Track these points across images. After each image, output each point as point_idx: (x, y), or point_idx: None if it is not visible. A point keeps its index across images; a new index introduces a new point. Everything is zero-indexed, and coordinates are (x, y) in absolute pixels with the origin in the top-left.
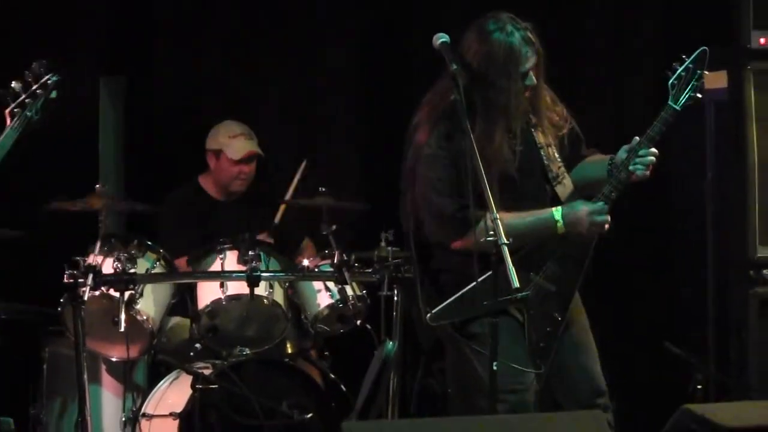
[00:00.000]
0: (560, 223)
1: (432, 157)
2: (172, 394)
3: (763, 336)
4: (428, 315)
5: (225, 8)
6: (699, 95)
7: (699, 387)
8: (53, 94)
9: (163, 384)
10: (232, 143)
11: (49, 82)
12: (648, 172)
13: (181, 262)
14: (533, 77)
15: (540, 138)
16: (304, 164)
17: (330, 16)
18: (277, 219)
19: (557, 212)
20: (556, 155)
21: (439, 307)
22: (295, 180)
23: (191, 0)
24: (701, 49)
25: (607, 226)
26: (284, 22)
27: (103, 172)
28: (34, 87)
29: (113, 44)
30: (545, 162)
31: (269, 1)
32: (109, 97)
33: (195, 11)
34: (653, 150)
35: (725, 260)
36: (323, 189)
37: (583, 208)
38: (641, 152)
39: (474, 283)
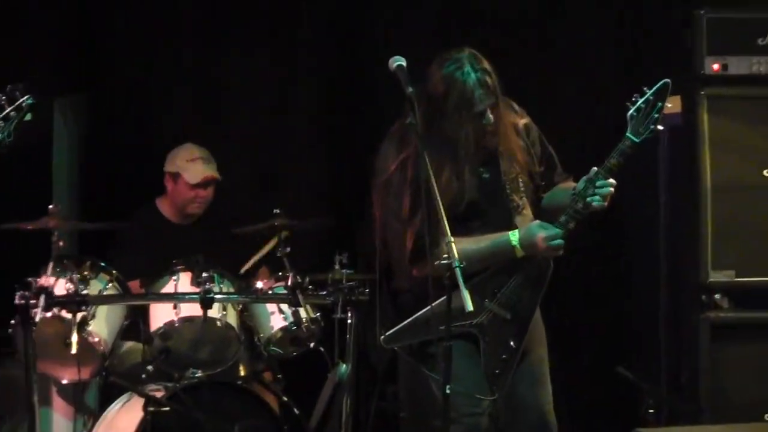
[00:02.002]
0: (518, 247)
1: (390, 183)
2: (124, 416)
3: (714, 360)
4: (382, 337)
5: (184, 28)
6: (659, 127)
7: (650, 411)
8: (28, 117)
9: (114, 407)
10: (190, 167)
11: (23, 105)
12: (605, 203)
13: (135, 285)
14: (490, 116)
15: (505, 167)
16: (274, 241)
17: (292, 37)
18: (244, 269)
19: (513, 236)
20: (521, 186)
21: (394, 329)
22: (261, 253)
23: (149, 20)
24: (663, 81)
25: (560, 251)
26: (244, 42)
27: (56, 193)
28: (8, 109)
29: (68, 64)
30: (508, 191)
31: (229, 20)
32: (63, 117)
33: (153, 31)
34: (611, 181)
35: (678, 284)
36: (278, 211)
37: (539, 233)
38: (598, 183)
39: (428, 307)
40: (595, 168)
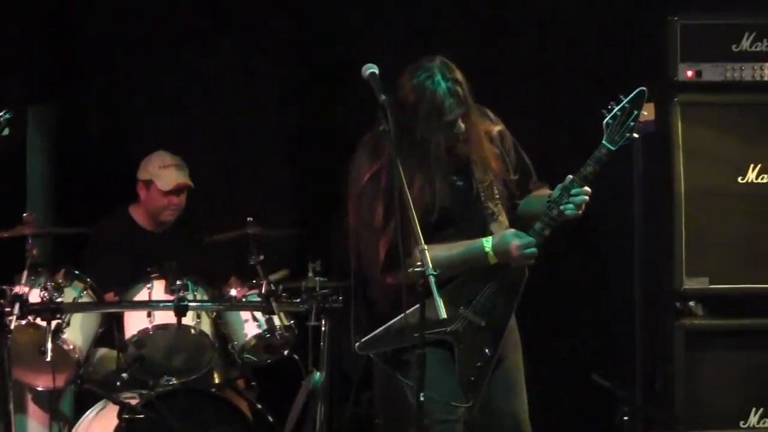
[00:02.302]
0: (491, 254)
1: (363, 192)
2: (99, 424)
3: (689, 368)
4: (357, 344)
5: (155, 37)
6: (635, 135)
7: (625, 419)
8: (5, 132)
9: (89, 414)
10: (163, 174)
11: (1, 120)
12: (579, 212)
13: (110, 297)
14: (461, 125)
15: (479, 175)
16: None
17: (261, 44)
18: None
19: (487, 243)
20: (495, 193)
21: (368, 336)
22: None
23: (121, 28)
24: (639, 89)
25: (534, 260)
26: (214, 50)
27: (31, 201)
28: None
29: (41, 73)
30: (482, 198)
31: (199, 29)
32: (37, 125)
33: (125, 39)
34: (585, 189)
35: (652, 291)
36: (251, 219)
37: (513, 241)
38: (573, 191)
39: (403, 314)
40: (570, 176)
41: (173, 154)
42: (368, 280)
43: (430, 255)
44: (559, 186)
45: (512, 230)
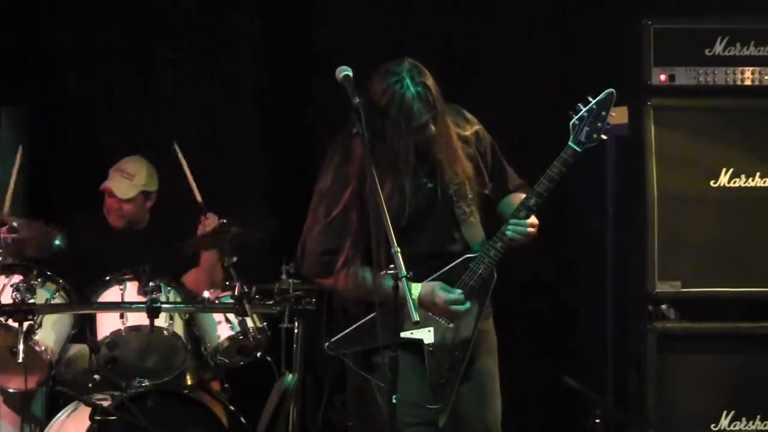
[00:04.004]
0: (416, 300)
1: (321, 192)
2: (71, 425)
3: (661, 371)
4: (327, 344)
5: (128, 37)
6: (603, 137)
7: (597, 422)
8: None
9: (61, 415)
10: (111, 175)
11: None
12: (522, 238)
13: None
14: (431, 129)
15: (450, 176)
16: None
17: (234, 46)
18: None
19: (416, 288)
20: (468, 194)
21: (339, 336)
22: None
23: (94, 29)
24: (608, 91)
25: (459, 317)
26: (186, 52)
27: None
28: None
29: (14, 73)
30: (454, 200)
31: (171, 31)
32: (9, 126)
33: (98, 40)
34: (531, 221)
35: (625, 295)
36: (224, 220)
37: (440, 295)
38: (512, 221)
39: (373, 314)
40: (524, 197)
41: (140, 164)
42: None
43: (362, 275)
44: (519, 203)
45: (441, 283)
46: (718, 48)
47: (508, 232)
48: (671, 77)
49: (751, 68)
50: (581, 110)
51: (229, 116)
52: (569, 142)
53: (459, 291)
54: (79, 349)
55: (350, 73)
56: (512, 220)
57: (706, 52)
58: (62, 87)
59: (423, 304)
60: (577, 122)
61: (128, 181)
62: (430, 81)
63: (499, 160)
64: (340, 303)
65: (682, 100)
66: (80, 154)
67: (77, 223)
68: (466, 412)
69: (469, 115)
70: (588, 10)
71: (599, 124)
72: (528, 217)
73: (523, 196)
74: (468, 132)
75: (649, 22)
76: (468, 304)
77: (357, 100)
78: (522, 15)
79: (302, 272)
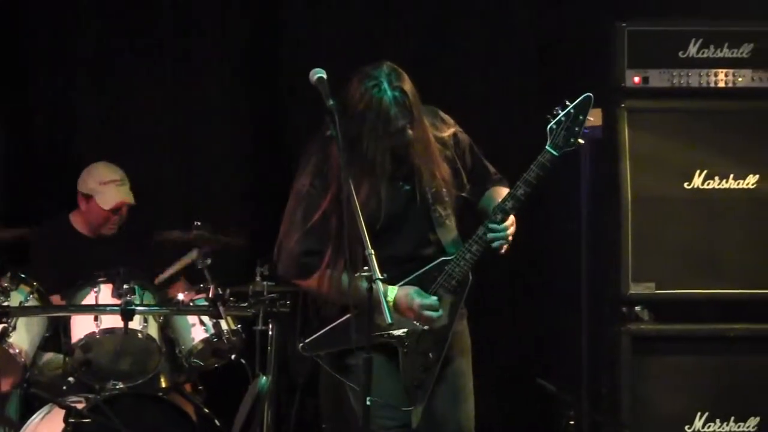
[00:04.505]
0: (390, 303)
1: (299, 193)
2: (45, 428)
3: (635, 372)
4: (301, 345)
5: (100, 40)
6: (580, 141)
7: (571, 423)
8: None
9: (35, 418)
10: (104, 191)
11: None
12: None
13: (56, 299)
14: (409, 133)
15: (427, 179)
16: (195, 252)
17: (209, 46)
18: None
19: (391, 292)
20: (445, 196)
21: (313, 337)
22: (178, 265)
23: (65, 33)
24: (585, 95)
25: (434, 323)
26: (160, 55)
27: None
28: None
29: None
30: (431, 202)
31: (143, 33)
32: None
33: (69, 43)
34: (508, 223)
35: (599, 296)
36: (198, 223)
37: (416, 300)
38: (490, 226)
39: (348, 315)
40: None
41: (114, 168)
42: None
43: (340, 278)
44: (495, 206)
45: (416, 288)
46: (692, 50)
47: (487, 237)
48: (645, 79)
49: (724, 70)
50: (559, 114)
51: (202, 118)
52: (547, 146)
53: (434, 297)
54: (52, 356)
55: (324, 76)
56: (490, 226)
57: (680, 54)
58: (34, 90)
59: (398, 307)
60: (554, 126)
61: (126, 186)
62: (407, 86)
63: (479, 159)
64: (313, 304)
65: (656, 102)
66: (51, 158)
67: (45, 229)
68: (440, 412)
69: (446, 117)
70: (561, 12)
71: (577, 128)
72: (504, 220)
73: (504, 189)
74: (445, 134)
75: (623, 25)
76: (441, 312)
77: (331, 102)
78: (496, 17)
79: (279, 273)
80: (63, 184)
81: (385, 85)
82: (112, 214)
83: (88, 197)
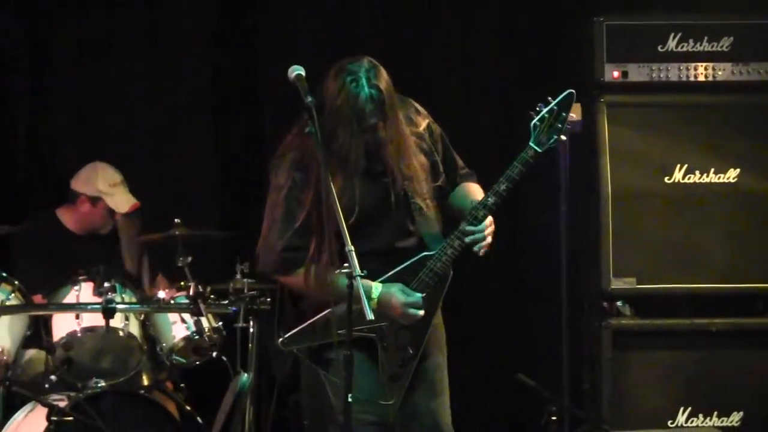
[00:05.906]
0: (374, 300)
1: (278, 189)
2: (27, 426)
3: (616, 368)
4: (280, 340)
5: (80, 38)
6: (563, 137)
7: (553, 419)
8: None
9: (18, 416)
10: (115, 194)
11: None
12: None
13: (37, 299)
14: (381, 133)
15: (404, 171)
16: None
17: (182, 45)
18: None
19: (376, 289)
20: (423, 188)
21: (292, 332)
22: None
23: (44, 31)
24: (567, 92)
25: (417, 318)
26: (134, 53)
27: None
28: None
29: None
30: (408, 194)
31: (119, 31)
32: None
33: (49, 41)
34: (483, 225)
35: (579, 292)
36: (178, 220)
37: (399, 298)
38: (468, 228)
39: (328, 310)
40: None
41: (114, 168)
42: None
43: (323, 275)
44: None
45: (401, 286)
46: (671, 44)
47: (467, 239)
48: (624, 74)
49: (704, 64)
50: (542, 111)
51: (182, 114)
52: (530, 143)
53: (418, 295)
54: (34, 354)
55: (303, 73)
56: (469, 228)
57: (659, 48)
58: (16, 88)
59: (381, 303)
60: (537, 123)
61: (126, 186)
62: (384, 84)
63: (449, 150)
64: (289, 297)
65: (635, 97)
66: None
67: (31, 225)
68: (417, 406)
69: (420, 108)
70: (540, 7)
71: (559, 125)
72: (486, 217)
73: (474, 185)
74: (421, 127)
75: (601, 19)
76: (422, 312)
77: (309, 99)
78: (472, 12)
79: (260, 269)
80: (40, 182)
81: (363, 81)
82: (119, 217)
83: (95, 199)
